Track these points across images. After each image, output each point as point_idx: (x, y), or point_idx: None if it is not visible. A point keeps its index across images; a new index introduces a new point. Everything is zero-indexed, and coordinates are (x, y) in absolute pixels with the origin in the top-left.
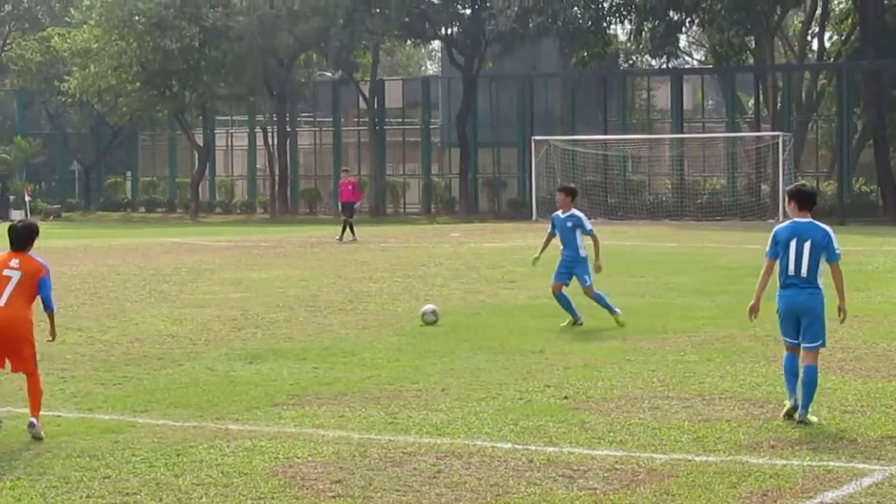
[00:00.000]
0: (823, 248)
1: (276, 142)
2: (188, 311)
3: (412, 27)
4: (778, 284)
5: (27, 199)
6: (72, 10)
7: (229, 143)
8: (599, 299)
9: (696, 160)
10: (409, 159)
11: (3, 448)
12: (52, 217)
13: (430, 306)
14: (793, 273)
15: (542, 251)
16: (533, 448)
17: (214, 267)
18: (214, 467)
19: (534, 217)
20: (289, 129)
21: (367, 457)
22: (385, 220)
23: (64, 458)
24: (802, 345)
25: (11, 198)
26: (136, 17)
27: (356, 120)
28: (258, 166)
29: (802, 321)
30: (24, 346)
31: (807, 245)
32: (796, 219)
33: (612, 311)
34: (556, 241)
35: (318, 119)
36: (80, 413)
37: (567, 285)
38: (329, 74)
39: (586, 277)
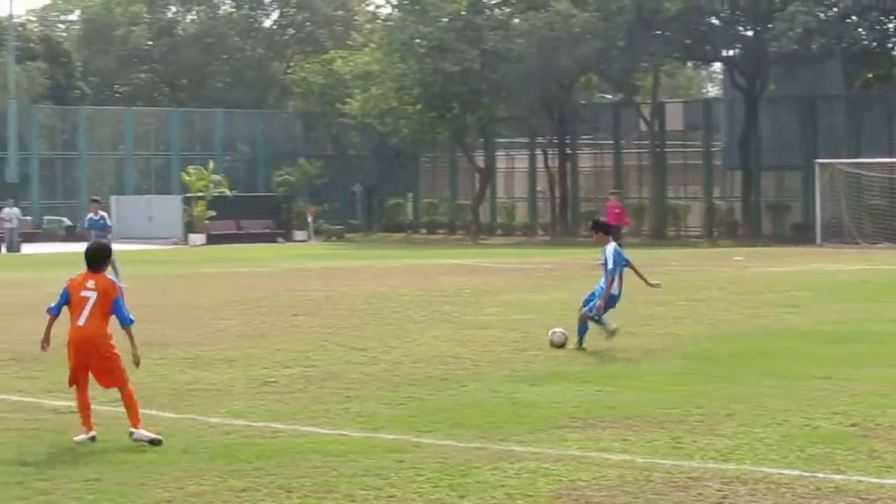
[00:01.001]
0: None
1: (556, 164)
2: (470, 333)
3: (693, 49)
4: None
5: (310, 220)
6: (353, 33)
7: (510, 166)
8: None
9: None
10: (690, 182)
11: (292, 465)
12: (334, 238)
13: (556, 329)
14: None
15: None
16: (820, 476)
17: (496, 289)
18: (498, 489)
19: (818, 241)
20: (569, 152)
21: (652, 481)
22: (666, 243)
23: (349, 476)
24: None
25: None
26: (417, 41)
27: (636, 142)
28: (538, 188)
29: None
30: (107, 362)
31: None
32: None
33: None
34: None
35: (598, 141)
36: (365, 432)
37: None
38: (609, 96)
39: (591, 304)
